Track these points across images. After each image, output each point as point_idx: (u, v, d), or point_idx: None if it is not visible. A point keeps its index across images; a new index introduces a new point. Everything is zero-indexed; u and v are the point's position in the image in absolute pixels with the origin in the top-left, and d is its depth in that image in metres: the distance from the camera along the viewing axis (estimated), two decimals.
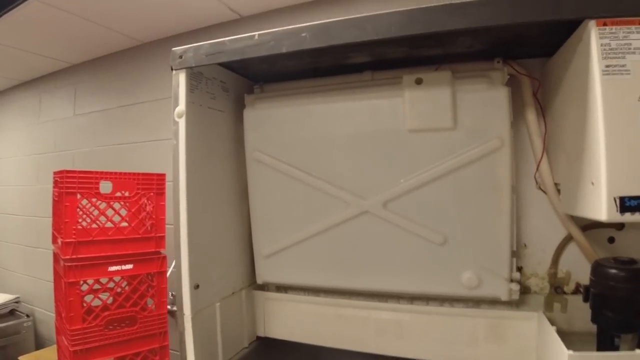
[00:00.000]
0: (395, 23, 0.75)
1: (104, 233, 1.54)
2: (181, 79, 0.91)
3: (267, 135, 1.05)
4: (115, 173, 1.58)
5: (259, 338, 1.16)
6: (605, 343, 0.82)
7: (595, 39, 0.67)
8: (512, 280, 0.91)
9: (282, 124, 1.03)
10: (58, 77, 2.35)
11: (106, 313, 1.53)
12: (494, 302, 0.96)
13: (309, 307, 1.10)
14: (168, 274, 1.72)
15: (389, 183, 0.95)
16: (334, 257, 1.02)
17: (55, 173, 1.54)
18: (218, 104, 1.02)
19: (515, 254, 0.93)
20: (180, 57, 0.91)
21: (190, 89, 0.92)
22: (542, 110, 0.95)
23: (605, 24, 0.67)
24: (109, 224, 1.60)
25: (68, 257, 1.45)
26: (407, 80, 0.92)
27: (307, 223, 1.03)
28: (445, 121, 0.89)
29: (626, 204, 0.66)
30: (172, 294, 1.92)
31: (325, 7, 1.64)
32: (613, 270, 0.79)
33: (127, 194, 1.62)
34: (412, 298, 1.02)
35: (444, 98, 0.89)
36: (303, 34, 0.80)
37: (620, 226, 0.94)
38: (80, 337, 1.46)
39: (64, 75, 2.29)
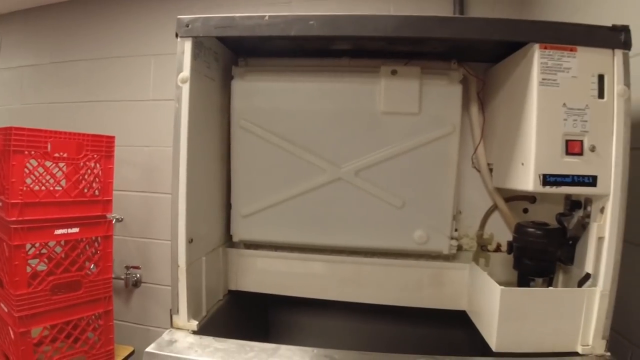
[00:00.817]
0: (390, 25, 0.93)
1: (50, 195, 1.52)
2: (187, 46, 0.99)
3: (254, 105, 1.17)
4: (64, 133, 1.57)
5: (230, 292, 1.29)
6: (523, 285, 1.11)
7: (538, 58, 0.92)
8: (452, 238, 1.18)
9: (269, 96, 1.16)
10: None
11: (52, 277, 1.53)
12: (436, 256, 1.22)
13: (278, 262, 1.26)
14: None
15: (362, 155, 1.15)
16: (308, 217, 1.19)
17: None
18: (211, 73, 1.12)
19: (455, 217, 1.20)
20: (187, 25, 0.99)
21: (194, 57, 1.00)
22: (482, 105, 1.22)
23: (546, 48, 0.92)
24: (56, 187, 1.57)
25: (14, 219, 1.42)
26: (384, 70, 1.12)
27: (285, 187, 1.19)
28: (413, 107, 1.11)
29: (547, 180, 0.93)
30: None
31: None
32: (531, 229, 1.09)
33: (65, 155, 1.60)
34: (373, 253, 1.23)
35: (413, 88, 1.11)
36: (311, 22, 0.94)
37: (533, 199, 1.24)
38: (25, 303, 1.45)
39: None
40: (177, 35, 1.00)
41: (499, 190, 1.20)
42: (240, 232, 1.23)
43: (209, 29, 0.99)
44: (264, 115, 1.17)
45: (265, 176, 1.19)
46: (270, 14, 0.98)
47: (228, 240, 1.28)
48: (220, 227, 1.25)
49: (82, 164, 1.59)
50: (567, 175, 0.93)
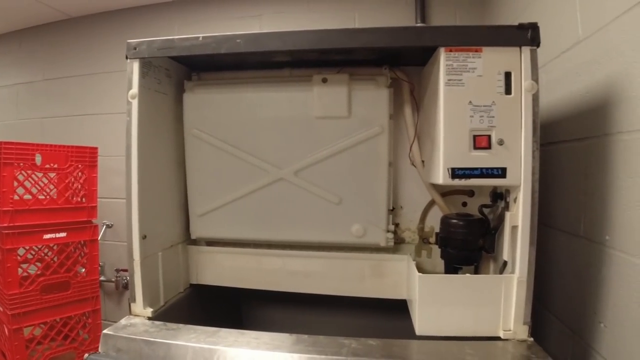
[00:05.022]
0: (307, 39, 1.13)
1: (39, 202, 1.79)
2: (135, 67, 1.21)
3: (203, 116, 1.39)
4: (50, 145, 1.83)
5: (192, 285, 1.51)
6: (450, 273, 1.28)
7: (444, 60, 1.07)
8: (388, 231, 1.36)
9: (216, 107, 1.38)
10: None
11: (41, 278, 1.80)
12: (377, 249, 1.40)
13: (233, 257, 1.47)
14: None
15: (300, 156, 1.34)
16: (256, 215, 1.40)
17: None
18: (162, 88, 1.34)
19: (392, 212, 1.38)
20: (135, 48, 1.22)
21: (142, 75, 1.23)
22: (417, 106, 1.40)
23: (451, 50, 1.07)
24: (43, 195, 1.84)
25: (5, 224, 1.69)
26: (315, 79, 1.32)
27: (234, 188, 1.40)
28: (343, 111, 1.31)
29: (456, 173, 1.08)
30: (99, 265, 2.18)
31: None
32: (453, 221, 1.26)
33: (56, 166, 1.87)
34: (316, 247, 1.42)
35: (342, 94, 1.30)
36: (238, 40, 1.15)
37: (471, 193, 1.40)
38: (17, 302, 1.71)
39: None
40: (126, 57, 1.24)
41: (435, 185, 1.36)
42: (197, 230, 1.45)
43: (153, 51, 1.21)
44: (213, 124, 1.38)
45: (216, 179, 1.40)
46: (206, 34, 1.19)
47: (189, 238, 1.50)
48: (180, 226, 1.47)
49: (66, 173, 1.86)
50: (476, 168, 1.07)
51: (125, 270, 2.25)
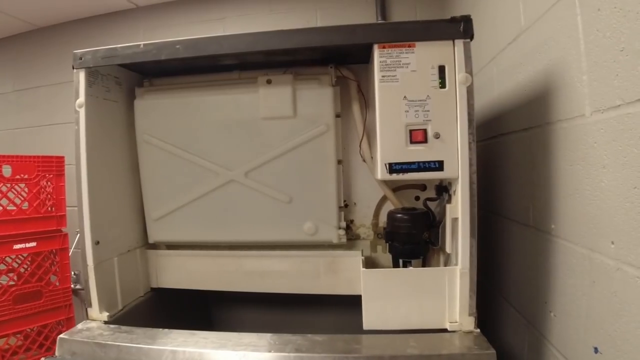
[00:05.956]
0: (243, 42, 1.17)
1: (7, 213, 1.83)
2: (81, 76, 1.25)
3: (154, 121, 1.43)
4: (17, 156, 1.87)
5: (152, 289, 1.55)
6: (397, 267, 1.31)
7: (377, 57, 1.10)
8: (340, 228, 1.39)
9: (167, 112, 1.41)
10: None
11: (13, 288, 1.84)
12: (331, 246, 1.44)
13: (192, 259, 1.51)
14: (70, 252, 2.04)
15: (249, 158, 1.38)
16: (210, 217, 1.44)
17: None
18: (112, 96, 1.38)
19: (343, 209, 1.41)
20: (80, 58, 1.26)
21: (89, 84, 1.27)
22: (366, 103, 1.43)
23: (384, 47, 1.10)
24: (11, 206, 1.89)
25: None
26: (260, 81, 1.35)
27: (187, 191, 1.44)
28: (288, 111, 1.34)
29: (393, 167, 1.11)
30: (74, 273, 2.24)
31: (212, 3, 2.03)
32: (398, 215, 1.29)
33: (25, 176, 1.91)
34: (272, 246, 1.46)
35: (287, 94, 1.33)
36: (177, 46, 1.19)
37: (423, 187, 1.44)
38: None
39: None
40: (73, 67, 1.28)
41: (387, 180, 1.40)
42: (153, 234, 1.49)
43: (98, 60, 1.25)
44: (164, 129, 1.42)
45: (169, 183, 1.44)
46: (146, 42, 1.24)
47: (147, 242, 1.54)
48: (138, 230, 1.51)
49: (34, 183, 1.91)
50: (413, 162, 1.10)
51: None
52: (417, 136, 1.10)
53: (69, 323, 2.00)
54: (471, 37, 1.08)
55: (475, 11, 1.58)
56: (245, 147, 1.38)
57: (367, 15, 2.01)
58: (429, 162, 1.10)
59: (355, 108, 1.41)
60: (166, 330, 1.20)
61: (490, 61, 1.55)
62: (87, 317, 1.31)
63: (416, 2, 1.98)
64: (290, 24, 2.08)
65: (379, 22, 1.20)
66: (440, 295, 1.13)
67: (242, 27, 2.13)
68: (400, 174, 1.11)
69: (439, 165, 1.10)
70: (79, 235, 2.24)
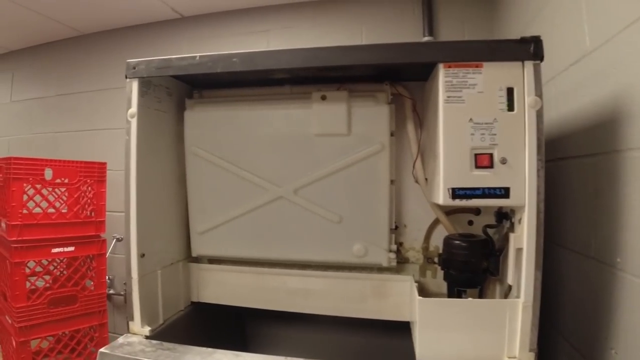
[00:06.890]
0: (300, 57, 1.14)
1: (47, 217, 1.83)
2: (134, 86, 1.25)
3: (204, 134, 1.41)
4: (59, 161, 1.88)
5: (193, 303, 1.52)
6: (452, 296, 1.26)
7: (442, 76, 1.05)
8: (390, 251, 1.34)
9: (216, 124, 1.39)
10: None
11: (49, 292, 1.84)
12: (380, 269, 1.39)
13: (234, 275, 1.48)
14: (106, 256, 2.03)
15: (299, 174, 1.35)
16: (255, 233, 1.41)
17: (0, 159, 1.81)
18: (163, 106, 1.37)
19: (394, 231, 1.36)
20: (134, 68, 1.25)
21: (141, 94, 1.26)
22: (421, 122, 1.39)
23: (450, 66, 1.06)
24: (51, 210, 1.89)
25: (14, 239, 1.74)
26: (315, 96, 1.32)
27: (234, 206, 1.41)
28: (342, 129, 1.30)
29: (457, 193, 1.06)
30: (109, 278, 2.24)
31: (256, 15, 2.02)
32: (456, 242, 1.23)
33: (66, 180, 1.92)
34: (316, 266, 1.42)
35: (342, 111, 1.30)
36: (234, 59, 1.17)
37: (477, 211, 1.38)
38: (25, 315, 1.76)
39: (2, 61, 2.51)
40: (126, 77, 1.26)
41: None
42: (197, 248, 1.47)
43: (151, 70, 1.24)
44: (213, 141, 1.40)
45: (216, 196, 1.42)
46: (202, 54, 1.21)
47: (190, 256, 1.52)
48: (181, 243, 1.49)
49: (75, 188, 1.91)
50: (478, 188, 1.04)
51: None
52: (483, 161, 1.04)
53: (102, 329, 1.99)
54: (541, 59, 1.03)
55: (529, 31, 1.52)
56: (295, 163, 1.35)
57: (413, 31, 1.96)
58: (494, 188, 1.05)
59: (410, 127, 1.36)
60: (210, 349, 1.17)
61: (548, 81, 1.49)
62: (127, 330, 1.29)
63: (464, 20, 1.92)
64: (334, 38, 2.05)
65: (445, 40, 1.16)
66: (500, 328, 1.07)
67: (285, 40, 2.11)
68: (464, 200, 1.06)
69: (504, 192, 1.04)
70: (115, 240, 2.26)
